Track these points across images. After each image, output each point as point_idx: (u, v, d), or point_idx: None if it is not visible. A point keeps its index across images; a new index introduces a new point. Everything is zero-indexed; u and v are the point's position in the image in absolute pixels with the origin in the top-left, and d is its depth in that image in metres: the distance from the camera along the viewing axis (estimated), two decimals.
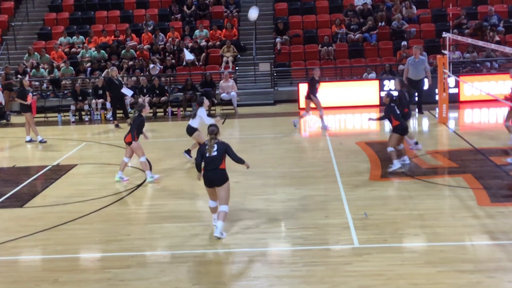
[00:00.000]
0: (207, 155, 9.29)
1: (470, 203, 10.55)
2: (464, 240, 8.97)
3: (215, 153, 9.25)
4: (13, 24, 27.87)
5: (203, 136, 13.35)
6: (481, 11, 25.68)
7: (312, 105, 17.62)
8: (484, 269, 7.93)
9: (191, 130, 13.78)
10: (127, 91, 20.26)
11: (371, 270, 8.05)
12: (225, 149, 9.35)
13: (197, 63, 24.50)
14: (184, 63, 24.32)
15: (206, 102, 13.96)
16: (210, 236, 9.50)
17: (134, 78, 23.33)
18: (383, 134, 16.73)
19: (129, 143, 12.75)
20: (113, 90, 19.85)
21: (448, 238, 9.04)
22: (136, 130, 12.71)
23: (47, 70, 24.51)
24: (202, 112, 13.67)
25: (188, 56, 23.14)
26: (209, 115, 21.02)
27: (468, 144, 14.94)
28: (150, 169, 12.89)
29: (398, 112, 12.77)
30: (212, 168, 9.26)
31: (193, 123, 13.73)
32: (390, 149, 12.72)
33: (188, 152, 14.48)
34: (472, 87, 19.53)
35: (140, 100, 20.91)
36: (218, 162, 9.25)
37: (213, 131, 9.36)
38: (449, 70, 18.06)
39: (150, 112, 21.74)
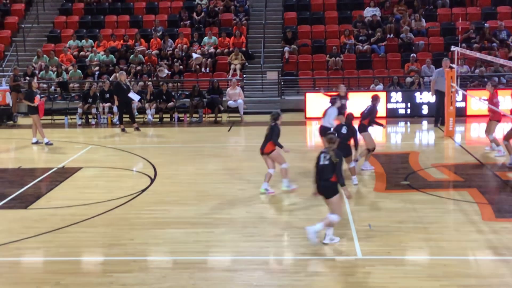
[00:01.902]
0: (320, 163, 9.13)
1: (474, 217, 10.51)
2: (467, 255, 8.93)
3: (327, 161, 9.00)
4: (23, 26, 28.01)
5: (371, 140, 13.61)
6: (490, 25, 25.67)
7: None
8: (487, 284, 7.89)
9: (323, 130, 13.64)
10: (134, 96, 20.34)
11: (374, 282, 8.02)
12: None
13: (203, 69, 24.55)
14: (192, 68, 24.40)
15: (338, 102, 14.03)
16: (213, 243, 9.50)
17: (141, 83, 23.39)
18: (389, 145, 16.72)
19: (268, 153, 12.13)
20: (120, 95, 19.92)
21: (451, 252, 9.01)
22: (274, 139, 11.99)
23: (55, 72, 24.60)
24: (331, 111, 13.73)
25: (195, 55, 23.71)
26: (215, 122, 21.27)
27: (474, 159, 14.90)
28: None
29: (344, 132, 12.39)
30: (322, 178, 9.09)
31: (325, 122, 13.78)
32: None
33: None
34: (480, 101, 19.49)
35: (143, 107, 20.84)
36: (329, 172, 9.01)
37: (331, 139, 9.09)
38: (457, 84, 18.03)
39: (156, 118, 21.82)
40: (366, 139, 13.83)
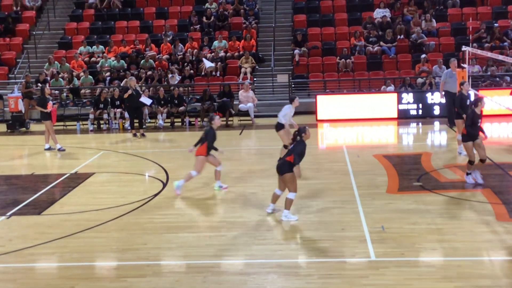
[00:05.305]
0: None
1: (488, 218, 10.44)
2: (482, 256, 8.88)
3: None
4: (34, 33, 28.21)
5: (288, 137, 13.52)
6: (501, 25, 25.56)
7: None
8: (502, 285, 7.84)
9: (278, 126, 14.29)
10: (146, 100, 20.38)
11: (388, 284, 7.99)
12: None
13: (214, 73, 24.60)
14: (203, 73, 24.48)
15: (296, 102, 14.35)
16: (226, 246, 9.51)
17: (152, 88, 23.45)
18: (401, 147, 16.66)
19: (199, 156, 12.31)
20: (131, 100, 19.96)
21: (465, 253, 8.95)
22: (209, 144, 12.22)
23: (67, 78, 24.74)
24: (286, 108, 14.23)
25: (208, 64, 23.42)
26: (226, 125, 21.30)
27: (487, 159, 14.79)
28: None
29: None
30: None
31: (280, 119, 14.18)
32: None
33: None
34: (491, 101, 19.38)
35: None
36: None
37: None
38: (469, 84, 17.90)
39: (167, 122, 21.87)
40: (468, 148, 12.86)
